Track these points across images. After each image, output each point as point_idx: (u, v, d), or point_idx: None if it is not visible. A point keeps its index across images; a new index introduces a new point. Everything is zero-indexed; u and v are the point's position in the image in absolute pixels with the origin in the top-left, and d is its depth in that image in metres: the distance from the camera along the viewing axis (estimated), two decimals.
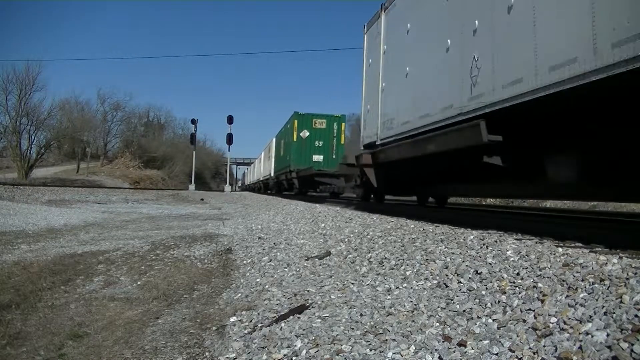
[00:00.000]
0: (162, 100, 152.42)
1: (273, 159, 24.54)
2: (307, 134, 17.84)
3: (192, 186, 35.80)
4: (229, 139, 35.11)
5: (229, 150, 36.90)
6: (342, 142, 18.21)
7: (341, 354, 2.29)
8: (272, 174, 25.04)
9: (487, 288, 2.60)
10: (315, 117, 18.04)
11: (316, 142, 17.89)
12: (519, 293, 2.37)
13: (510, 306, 2.29)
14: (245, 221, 10.54)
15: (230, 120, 35.03)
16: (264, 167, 30.71)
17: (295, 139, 17.91)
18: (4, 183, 22.72)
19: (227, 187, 37.38)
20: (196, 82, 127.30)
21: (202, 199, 25.07)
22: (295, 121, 17.99)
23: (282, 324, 2.99)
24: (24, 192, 20.12)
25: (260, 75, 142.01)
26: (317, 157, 17.65)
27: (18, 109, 38.82)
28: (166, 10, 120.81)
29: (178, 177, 52.65)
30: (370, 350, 2.27)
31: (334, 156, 17.82)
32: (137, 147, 53.22)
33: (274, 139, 24.69)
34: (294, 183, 18.39)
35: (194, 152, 39.23)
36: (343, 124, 18.43)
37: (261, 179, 32.55)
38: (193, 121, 38.67)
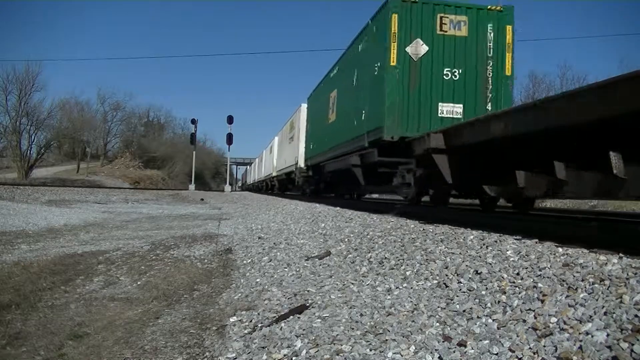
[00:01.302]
0: (162, 100, 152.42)
1: (302, 139, 14.93)
2: (425, 49, 7.11)
3: (192, 186, 35.81)
4: (229, 139, 35.17)
5: (229, 150, 36.93)
6: (509, 72, 7.26)
7: (341, 354, 2.29)
8: (301, 164, 15.06)
9: (487, 288, 2.60)
10: (444, 10, 7.15)
11: (445, 71, 7.17)
12: (519, 293, 2.37)
13: (510, 306, 2.29)
14: (245, 221, 10.54)
15: (230, 120, 35.07)
16: (278, 158, 21.10)
17: (393, 62, 7.02)
18: (4, 183, 22.71)
19: (227, 187, 37.38)
20: (196, 82, 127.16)
21: (202, 199, 25.07)
22: (395, 17, 7.01)
23: (282, 324, 2.99)
24: (24, 192, 20.10)
25: (260, 75, 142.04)
26: (450, 108, 7.17)
27: (18, 109, 38.92)
28: (166, 10, 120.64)
29: (178, 177, 52.68)
30: (370, 350, 2.27)
31: (488, 105, 7.18)
32: (137, 147, 53.30)
33: (306, 104, 14.97)
34: (403, 176, 6.93)
35: (194, 152, 39.24)
36: (509, 27, 7.25)
37: (274, 174, 22.55)
38: (193, 121, 38.72)
